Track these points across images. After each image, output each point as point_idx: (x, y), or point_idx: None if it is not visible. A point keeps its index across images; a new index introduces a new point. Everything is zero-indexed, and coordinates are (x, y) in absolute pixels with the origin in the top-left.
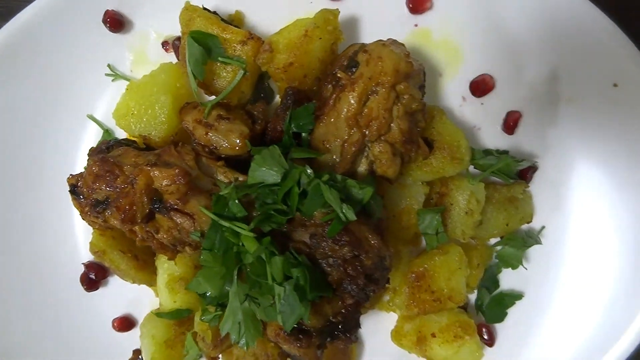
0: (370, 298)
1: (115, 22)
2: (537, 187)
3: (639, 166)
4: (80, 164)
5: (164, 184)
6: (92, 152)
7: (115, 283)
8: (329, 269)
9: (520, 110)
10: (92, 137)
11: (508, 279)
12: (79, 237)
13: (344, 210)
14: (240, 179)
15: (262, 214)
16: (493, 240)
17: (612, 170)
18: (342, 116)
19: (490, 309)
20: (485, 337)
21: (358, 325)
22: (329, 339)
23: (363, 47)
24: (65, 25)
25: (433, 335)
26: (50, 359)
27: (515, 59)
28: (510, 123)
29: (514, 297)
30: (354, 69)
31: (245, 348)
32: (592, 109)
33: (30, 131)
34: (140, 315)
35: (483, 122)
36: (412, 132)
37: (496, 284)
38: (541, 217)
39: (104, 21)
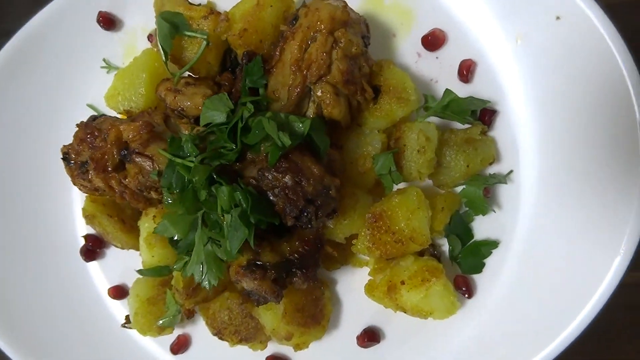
0: (312, 222)
1: (107, 21)
2: (500, 132)
3: (585, 102)
4: None
5: (130, 135)
6: (81, 124)
7: (111, 256)
8: (274, 199)
9: (473, 58)
10: None
11: (482, 229)
12: (77, 211)
13: (280, 137)
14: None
15: (211, 151)
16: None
17: (564, 106)
18: (287, 64)
19: (466, 259)
20: (463, 288)
21: (317, 265)
22: (285, 275)
23: (304, 4)
24: (65, 28)
25: (402, 283)
26: (49, 328)
27: (462, 10)
28: (464, 71)
29: (490, 245)
30: (294, 22)
31: (207, 287)
32: (539, 46)
33: (37, 120)
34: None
35: (439, 74)
36: (354, 74)
37: (469, 233)
38: (509, 162)
39: (98, 21)
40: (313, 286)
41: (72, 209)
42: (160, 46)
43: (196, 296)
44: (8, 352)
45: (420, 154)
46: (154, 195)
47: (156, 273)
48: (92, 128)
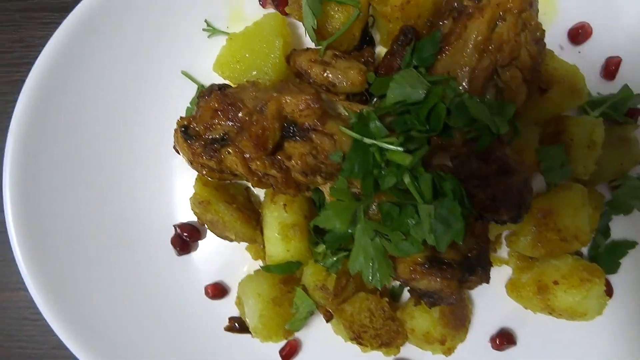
0: (522, 218)
1: None
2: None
3: None
4: (175, 119)
5: (298, 109)
6: (204, 94)
7: (206, 249)
8: (474, 190)
9: (619, 54)
10: (186, 94)
11: (618, 228)
12: (176, 197)
13: (496, 122)
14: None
15: (403, 134)
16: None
17: None
18: (471, 43)
19: (604, 258)
20: (605, 288)
21: (490, 263)
22: (467, 274)
23: None
24: None
25: (555, 283)
26: (143, 328)
27: (611, 4)
28: (612, 68)
29: (627, 245)
30: None
31: (379, 286)
32: None
33: (126, 88)
34: (233, 281)
35: (582, 69)
36: (539, 60)
37: (608, 232)
38: None
39: None
40: None
41: (170, 194)
42: (308, 11)
43: (342, 295)
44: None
45: (590, 149)
46: (319, 180)
47: (287, 269)
48: (232, 97)
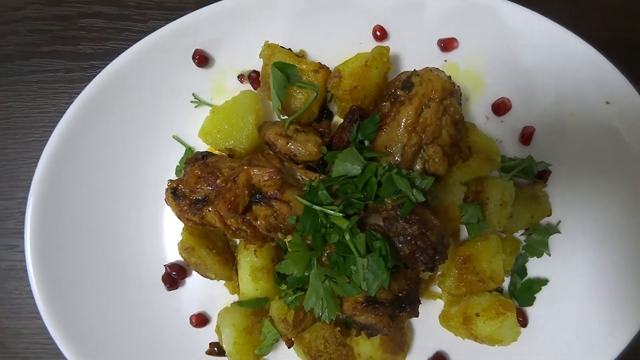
0: (436, 267)
1: (202, 59)
2: (552, 188)
3: (630, 171)
4: (167, 176)
5: (263, 179)
6: (190, 161)
7: (191, 285)
8: (400, 245)
9: (533, 125)
10: (175, 154)
11: (534, 268)
12: (166, 241)
13: (414, 194)
14: (320, 177)
15: (344, 201)
16: (518, 235)
17: (611, 175)
18: (402, 125)
19: (521, 293)
20: (520, 319)
21: (419, 301)
22: (398, 311)
23: (415, 72)
24: (162, 60)
25: (477, 315)
26: (138, 350)
27: (527, 84)
28: (526, 136)
29: (540, 282)
30: (410, 88)
31: (327, 321)
32: (591, 122)
33: (126, 149)
34: (213, 312)
35: (504, 136)
36: (457, 138)
37: (524, 272)
38: (557, 214)
39: (193, 57)
40: None
41: (161, 236)
42: (274, 94)
43: (300, 326)
44: None
45: (503, 207)
46: (280, 236)
47: (256, 304)
48: (211, 167)
